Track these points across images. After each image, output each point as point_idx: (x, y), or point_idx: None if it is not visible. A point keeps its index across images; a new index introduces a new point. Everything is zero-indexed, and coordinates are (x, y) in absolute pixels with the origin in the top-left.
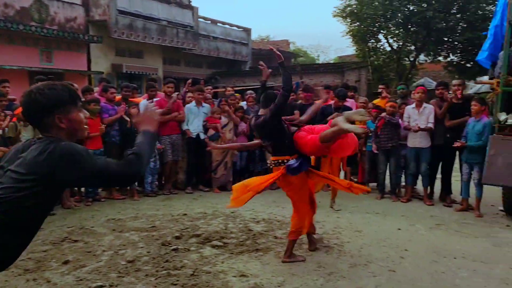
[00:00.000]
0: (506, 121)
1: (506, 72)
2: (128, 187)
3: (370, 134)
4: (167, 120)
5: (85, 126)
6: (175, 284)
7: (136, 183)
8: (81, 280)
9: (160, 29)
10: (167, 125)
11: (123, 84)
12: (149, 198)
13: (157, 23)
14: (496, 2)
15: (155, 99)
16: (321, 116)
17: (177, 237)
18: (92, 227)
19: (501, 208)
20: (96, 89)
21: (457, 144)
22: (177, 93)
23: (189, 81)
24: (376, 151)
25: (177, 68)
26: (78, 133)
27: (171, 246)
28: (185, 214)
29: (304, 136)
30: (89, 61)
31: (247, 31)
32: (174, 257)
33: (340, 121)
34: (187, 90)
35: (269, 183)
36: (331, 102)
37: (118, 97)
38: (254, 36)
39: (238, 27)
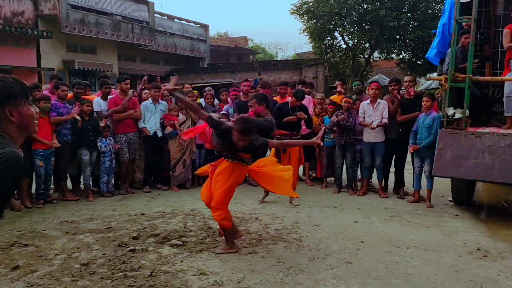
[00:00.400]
0: (453, 116)
1: (453, 68)
2: (82, 188)
3: (328, 130)
4: (122, 118)
5: (36, 121)
6: (132, 286)
7: (90, 183)
8: (32, 286)
9: (114, 24)
10: (123, 123)
11: (75, 81)
12: (105, 199)
13: (111, 18)
14: (444, 1)
15: (109, 97)
16: (278, 114)
17: (135, 238)
18: (44, 230)
19: (450, 198)
20: (47, 86)
21: (411, 149)
22: (132, 90)
23: (145, 77)
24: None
25: (133, 65)
26: (29, 128)
27: (128, 247)
28: (142, 214)
29: None
30: (39, 57)
31: (205, 27)
32: (131, 258)
33: None
34: (143, 87)
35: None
36: (288, 99)
37: (70, 94)
38: (212, 32)
39: (196, 23)
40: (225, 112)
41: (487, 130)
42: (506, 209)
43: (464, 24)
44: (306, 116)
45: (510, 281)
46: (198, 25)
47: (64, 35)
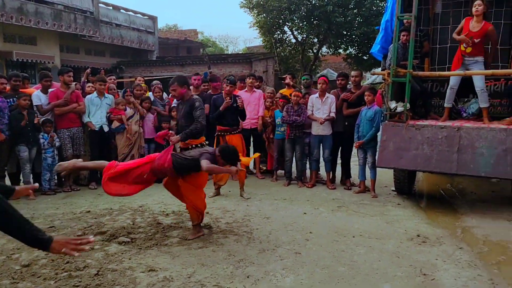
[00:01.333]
0: (396, 109)
1: (396, 63)
2: (23, 185)
3: (278, 123)
4: (65, 112)
5: None
6: (77, 286)
7: (31, 181)
8: None
9: (55, 13)
10: (66, 117)
11: (12, 73)
12: (47, 197)
13: (52, 7)
14: None
15: (50, 90)
16: (214, 108)
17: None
18: None
19: (393, 188)
20: None
21: (356, 145)
22: (75, 83)
23: (88, 70)
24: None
25: (76, 56)
26: None
27: None
28: (88, 212)
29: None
30: None
31: (153, 19)
32: (75, 257)
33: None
34: (86, 80)
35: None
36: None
37: (8, 87)
38: (161, 24)
39: (143, 14)
40: (175, 105)
41: (426, 122)
42: (443, 197)
43: (405, 21)
44: (241, 104)
45: (447, 264)
46: (146, 17)
47: (0, 25)
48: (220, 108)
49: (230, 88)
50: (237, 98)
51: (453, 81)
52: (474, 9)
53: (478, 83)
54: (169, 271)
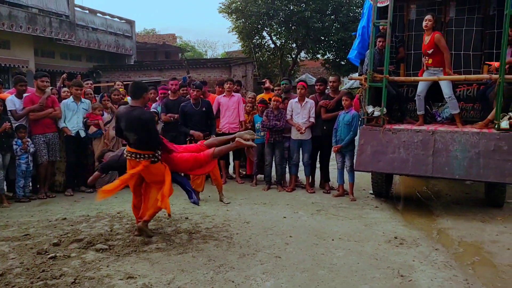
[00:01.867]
0: (373, 113)
1: (372, 69)
2: None
3: (258, 127)
4: (40, 117)
5: None
6: None
7: (5, 188)
8: None
9: (30, 17)
10: (41, 122)
11: None
12: (22, 204)
13: (26, 11)
14: (364, 5)
15: (25, 95)
16: (181, 114)
17: (56, 244)
18: None
19: (371, 191)
20: None
21: (334, 150)
22: (51, 87)
23: (64, 75)
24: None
25: (51, 61)
26: None
27: (48, 254)
28: (64, 219)
29: (186, 155)
30: None
31: (131, 23)
32: (52, 266)
33: (238, 137)
34: (61, 85)
35: (134, 173)
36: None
37: None
38: (138, 29)
39: (121, 18)
40: (154, 110)
41: (402, 126)
42: (420, 200)
43: (381, 27)
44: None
45: (424, 265)
46: (123, 21)
47: None
48: (160, 120)
49: (197, 93)
50: (204, 102)
51: (420, 88)
52: (423, 24)
53: (446, 90)
54: (148, 278)
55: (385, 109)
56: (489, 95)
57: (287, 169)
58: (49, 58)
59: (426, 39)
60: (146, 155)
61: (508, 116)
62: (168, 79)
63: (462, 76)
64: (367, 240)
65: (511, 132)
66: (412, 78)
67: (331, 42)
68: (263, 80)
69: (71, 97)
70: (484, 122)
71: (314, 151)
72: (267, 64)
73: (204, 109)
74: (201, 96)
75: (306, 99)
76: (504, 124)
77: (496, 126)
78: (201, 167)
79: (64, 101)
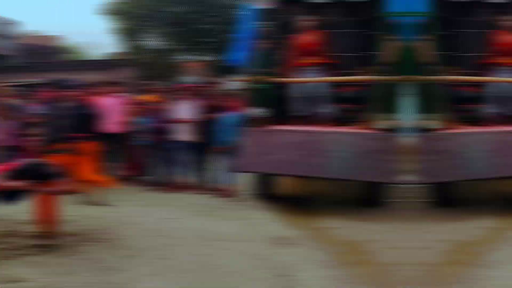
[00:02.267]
0: (256, 115)
1: (255, 71)
2: None
3: (140, 129)
4: None
5: None
6: None
7: None
8: None
9: None
10: None
11: None
12: None
13: None
14: (246, 7)
15: None
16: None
17: None
18: None
19: (254, 192)
20: None
21: (217, 150)
22: None
23: None
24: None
25: None
26: None
27: None
28: None
29: None
30: None
31: (11, 23)
32: None
33: None
34: None
35: None
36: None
37: None
38: (19, 29)
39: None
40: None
41: (284, 127)
42: (301, 200)
43: (264, 29)
44: None
45: (306, 265)
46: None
47: None
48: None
49: (74, 94)
50: (82, 104)
51: (302, 89)
52: (303, 24)
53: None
54: (28, 282)
55: (268, 110)
56: (367, 96)
57: (171, 170)
58: None
59: (308, 39)
60: None
61: (384, 117)
62: (43, 81)
63: (344, 78)
64: (250, 240)
65: (387, 133)
66: (296, 79)
67: (214, 43)
68: (145, 82)
69: None
70: (363, 123)
71: (198, 152)
72: (150, 66)
73: (81, 111)
74: (80, 98)
75: (189, 101)
76: (381, 125)
77: (374, 127)
78: None
79: None
